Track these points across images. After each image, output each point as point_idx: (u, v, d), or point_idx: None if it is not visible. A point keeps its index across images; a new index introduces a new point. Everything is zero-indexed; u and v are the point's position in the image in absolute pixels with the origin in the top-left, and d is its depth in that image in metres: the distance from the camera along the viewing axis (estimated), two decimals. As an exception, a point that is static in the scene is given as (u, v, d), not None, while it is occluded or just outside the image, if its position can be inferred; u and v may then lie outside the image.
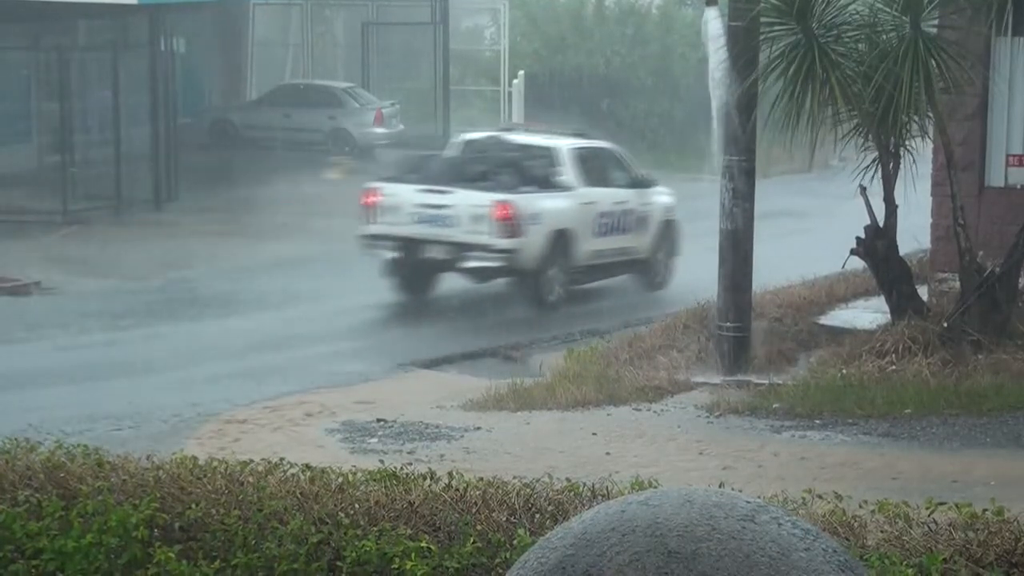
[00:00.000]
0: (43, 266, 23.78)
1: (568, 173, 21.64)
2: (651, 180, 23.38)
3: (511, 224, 20.44)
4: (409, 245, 20.74)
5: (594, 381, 15.68)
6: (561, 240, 20.95)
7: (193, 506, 6.72)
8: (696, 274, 19.14)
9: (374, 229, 21.02)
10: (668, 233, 22.72)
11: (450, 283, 21.72)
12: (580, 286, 21.54)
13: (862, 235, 16.33)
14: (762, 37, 15.83)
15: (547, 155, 21.81)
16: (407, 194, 20.99)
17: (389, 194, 21.10)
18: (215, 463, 7.25)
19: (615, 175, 22.72)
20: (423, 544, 6.17)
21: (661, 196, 23.25)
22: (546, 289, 20.93)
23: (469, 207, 20.52)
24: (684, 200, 24.31)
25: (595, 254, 21.52)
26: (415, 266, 20.99)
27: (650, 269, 22.72)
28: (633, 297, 22.15)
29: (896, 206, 16.13)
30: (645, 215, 22.67)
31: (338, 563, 6.34)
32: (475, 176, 21.09)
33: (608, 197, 21.87)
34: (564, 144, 22.27)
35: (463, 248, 20.45)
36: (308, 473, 7.04)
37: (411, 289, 21.35)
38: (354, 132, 38.29)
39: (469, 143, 22.83)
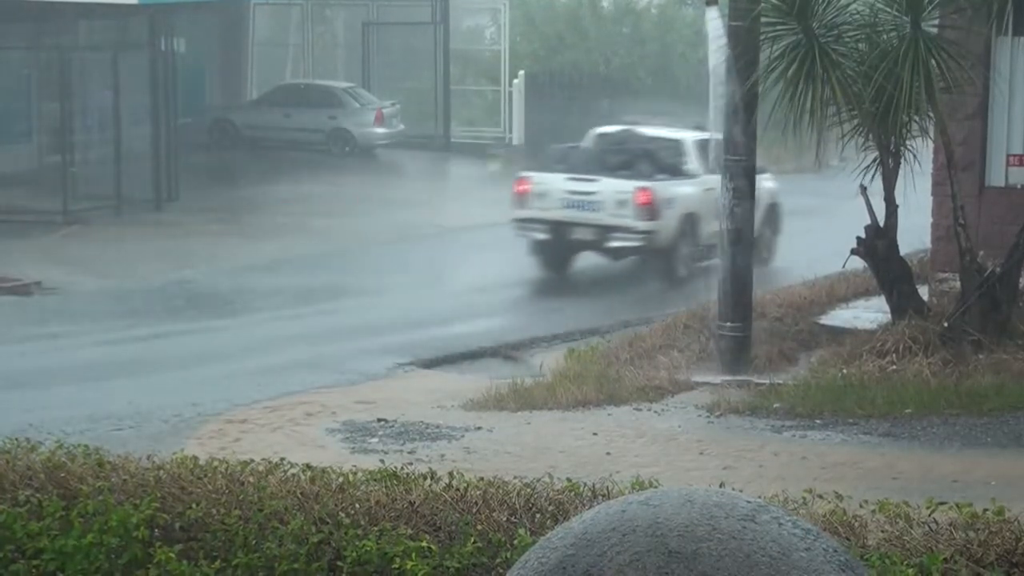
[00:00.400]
0: (43, 266, 23.78)
1: (693, 162, 23.51)
2: (760, 168, 24.39)
3: (651, 208, 22.65)
4: (557, 227, 22.96)
5: (595, 381, 15.67)
6: (689, 222, 23.09)
7: (194, 506, 6.72)
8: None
9: (525, 213, 23.27)
10: (772, 215, 24.63)
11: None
12: (701, 263, 23.18)
13: (862, 235, 16.34)
14: (763, 37, 15.83)
15: (675, 146, 23.89)
16: (556, 182, 23.26)
17: (539, 182, 23.39)
18: (216, 463, 7.25)
19: None
20: (424, 544, 6.17)
21: (767, 182, 24.51)
22: (677, 266, 23.06)
23: (613, 193, 22.77)
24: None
25: (716, 234, 23.24)
26: (561, 246, 23.27)
27: (758, 247, 24.55)
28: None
29: (896, 206, 16.13)
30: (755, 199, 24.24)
31: (339, 563, 6.34)
32: (615, 166, 23.30)
33: None
34: (688, 136, 24.00)
35: (608, 230, 22.75)
36: (309, 473, 7.04)
37: (553, 267, 23.61)
38: (354, 132, 38.29)
39: (602, 136, 24.76)
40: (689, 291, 21.33)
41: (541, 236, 23.18)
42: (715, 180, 23.18)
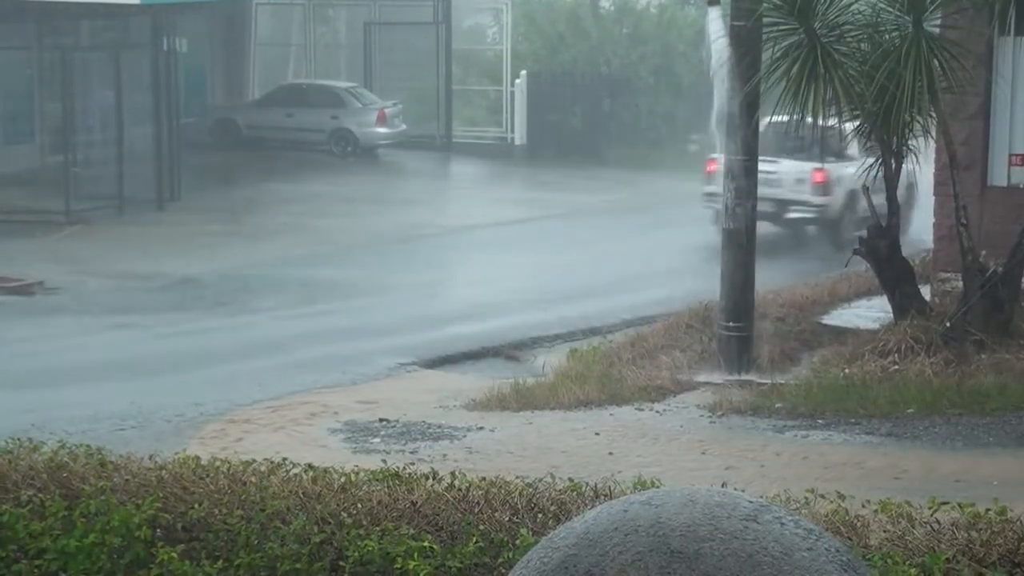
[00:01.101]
0: (46, 266, 23.79)
1: (853, 146, 25.59)
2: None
3: (825, 185, 26.00)
4: None
5: (596, 381, 15.67)
6: (852, 198, 25.61)
7: (196, 506, 6.72)
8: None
9: (714, 188, 25.63)
10: (911, 192, 26.59)
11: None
12: (859, 233, 26.35)
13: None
14: (765, 37, 15.82)
15: (838, 133, 26.08)
16: None
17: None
18: (218, 463, 7.25)
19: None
20: (426, 544, 6.17)
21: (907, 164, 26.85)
22: (842, 235, 25.89)
23: (793, 173, 25.95)
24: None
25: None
26: None
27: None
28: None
29: (899, 206, 16.14)
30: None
31: (341, 563, 6.34)
32: (790, 149, 25.78)
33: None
34: (848, 124, 26.17)
35: (787, 204, 26.05)
36: (311, 473, 7.04)
37: None
38: (356, 132, 38.30)
39: (772, 124, 26.65)
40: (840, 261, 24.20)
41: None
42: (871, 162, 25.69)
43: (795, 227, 26.89)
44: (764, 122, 26.73)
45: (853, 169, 26.50)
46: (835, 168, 25.93)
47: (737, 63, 15.88)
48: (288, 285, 22.75)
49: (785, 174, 26.16)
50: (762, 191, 25.26)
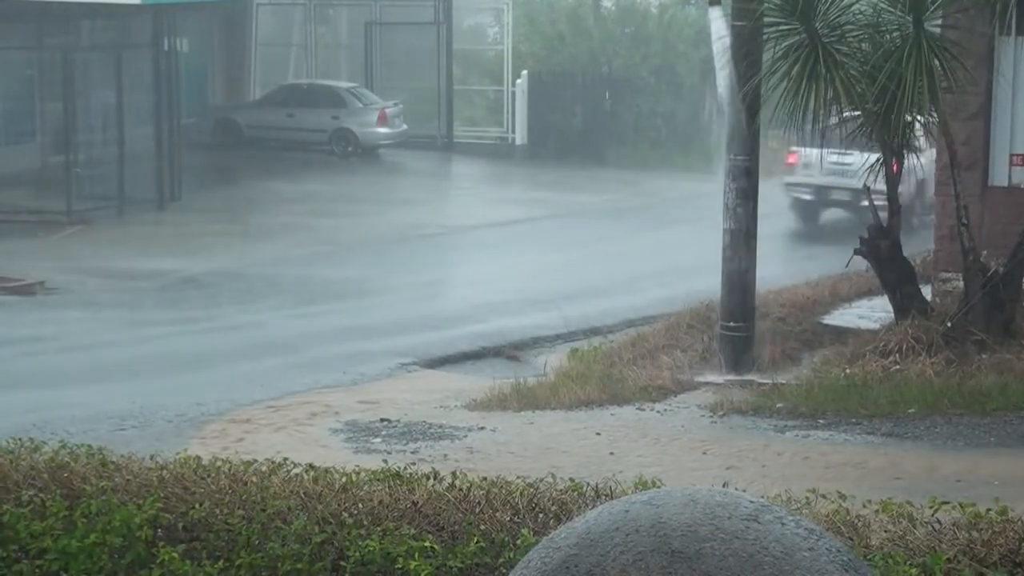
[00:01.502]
0: (47, 266, 23.80)
1: (921, 138, 26.26)
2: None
3: (897, 175, 25.69)
4: (819, 190, 28.64)
5: (597, 381, 15.67)
6: (921, 187, 27.27)
7: (197, 506, 6.72)
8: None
9: (794, 179, 28.96)
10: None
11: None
12: (928, 217, 27.39)
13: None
14: (766, 37, 15.82)
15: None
16: (818, 154, 27.79)
17: (805, 154, 28.44)
18: (219, 463, 7.25)
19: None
20: (427, 544, 6.17)
21: (921, 158, 28.64)
22: (911, 220, 26.48)
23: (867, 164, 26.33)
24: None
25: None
26: (820, 205, 28.85)
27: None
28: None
29: (900, 206, 16.14)
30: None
31: (342, 563, 6.34)
32: (863, 142, 26.38)
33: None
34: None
35: (861, 192, 27.60)
36: (312, 473, 7.04)
37: (807, 220, 28.96)
38: (357, 132, 38.30)
39: (843, 119, 28.49)
40: (920, 238, 24.35)
41: (806, 197, 28.67)
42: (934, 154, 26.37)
43: (867, 214, 28.14)
44: (840, 117, 27.90)
45: (923, 160, 27.76)
46: (906, 158, 27.50)
47: (738, 63, 15.87)
48: (289, 285, 22.75)
49: (859, 165, 27.03)
50: (839, 181, 27.99)
